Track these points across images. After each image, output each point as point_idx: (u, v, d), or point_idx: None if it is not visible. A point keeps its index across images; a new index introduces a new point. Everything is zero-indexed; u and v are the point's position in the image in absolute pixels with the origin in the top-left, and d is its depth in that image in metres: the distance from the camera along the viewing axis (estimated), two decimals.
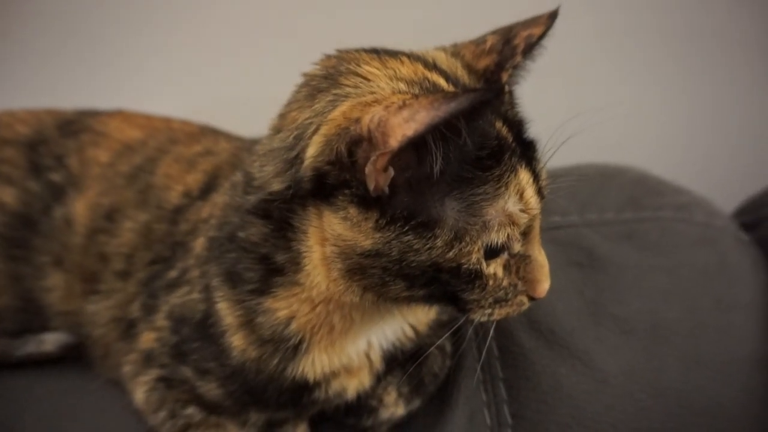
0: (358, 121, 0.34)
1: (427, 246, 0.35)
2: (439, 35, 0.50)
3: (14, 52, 0.98)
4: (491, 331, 0.51)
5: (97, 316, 0.56)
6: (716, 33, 0.87)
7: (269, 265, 0.42)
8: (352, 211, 0.35)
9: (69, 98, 0.79)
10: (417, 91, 0.37)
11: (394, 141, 0.31)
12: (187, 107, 0.77)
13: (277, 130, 0.42)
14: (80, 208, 0.59)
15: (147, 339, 0.52)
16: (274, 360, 0.44)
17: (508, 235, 0.37)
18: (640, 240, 0.57)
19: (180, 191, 0.57)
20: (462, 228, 0.35)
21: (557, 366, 0.51)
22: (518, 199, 0.36)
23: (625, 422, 0.48)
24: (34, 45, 0.97)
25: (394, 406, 0.50)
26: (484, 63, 0.41)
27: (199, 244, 0.51)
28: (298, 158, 0.37)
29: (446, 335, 0.50)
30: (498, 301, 0.39)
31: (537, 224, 0.39)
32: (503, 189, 0.36)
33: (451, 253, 0.35)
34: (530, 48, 0.41)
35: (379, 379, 0.50)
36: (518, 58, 0.41)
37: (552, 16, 0.42)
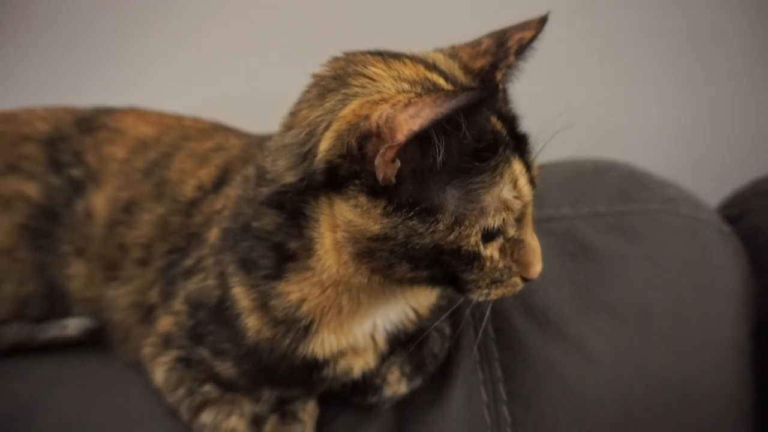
0: (367, 117, 0.37)
1: (430, 230, 0.38)
2: (438, 36, 0.53)
3: (25, 52, 0.99)
4: (488, 314, 0.54)
5: (117, 301, 0.59)
6: (705, 32, 0.89)
7: (282, 252, 0.45)
8: (362, 199, 0.38)
9: (78, 95, 0.82)
10: (419, 90, 0.40)
11: (401, 135, 0.35)
12: (194, 105, 0.79)
13: (288, 127, 0.45)
14: (99, 201, 0.62)
15: (165, 323, 0.55)
16: (286, 340, 0.47)
17: (503, 219, 0.40)
18: (628, 231, 0.59)
19: (194, 185, 0.60)
20: (461, 213, 0.38)
21: (550, 348, 0.54)
22: (512, 187, 0.40)
23: (611, 400, 0.51)
24: (44, 41, 0.98)
25: (397, 385, 0.53)
26: (479, 64, 0.44)
27: (213, 235, 0.54)
28: (310, 152, 0.40)
29: (444, 316, 0.53)
30: (494, 282, 0.42)
31: (529, 211, 0.42)
32: (498, 178, 0.39)
33: (451, 236, 0.38)
34: (522, 50, 0.44)
35: (383, 359, 0.53)
36: (511, 59, 0.44)
37: (542, 21, 0.45)
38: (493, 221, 0.39)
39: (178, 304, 0.54)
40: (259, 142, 0.63)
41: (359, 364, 0.51)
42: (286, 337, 0.47)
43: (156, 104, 0.74)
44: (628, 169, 0.69)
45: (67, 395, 0.56)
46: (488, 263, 0.41)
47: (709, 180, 0.79)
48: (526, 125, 0.46)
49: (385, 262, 0.40)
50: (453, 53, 0.46)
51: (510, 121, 0.42)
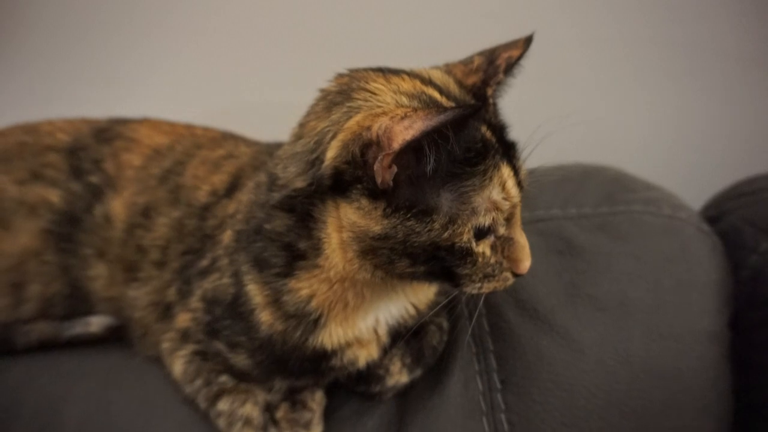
0: (369, 128, 0.41)
1: (427, 229, 0.42)
2: (437, 43, 0.57)
3: (33, 63, 1.02)
4: (479, 308, 0.59)
5: (137, 300, 0.63)
6: (695, 44, 0.93)
7: (293, 252, 0.49)
8: (364, 202, 0.42)
9: (86, 105, 0.85)
10: (416, 104, 0.44)
11: (396, 144, 0.39)
12: (200, 114, 0.83)
13: (298, 137, 0.49)
14: (118, 206, 0.66)
15: (183, 319, 0.59)
16: (297, 332, 0.51)
17: (493, 218, 0.44)
18: (612, 230, 0.63)
19: (207, 190, 0.64)
20: (455, 213, 0.42)
21: (540, 339, 0.58)
22: (501, 189, 0.43)
23: (597, 385, 0.55)
24: (52, 50, 1.01)
25: (398, 375, 0.57)
26: (472, 80, 0.49)
27: (227, 237, 0.58)
28: (318, 159, 0.44)
29: (438, 306, 0.55)
30: (486, 276, 0.45)
31: (518, 211, 0.46)
32: (488, 181, 0.43)
33: (446, 234, 0.42)
34: (510, 67, 0.48)
35: (385, 351, 0.56)
36: (500, 76, 0.48)
37: (528, 40, 0.49)
38: (484, 220, 0.43)
39: (195, 302, 0.58)
40: (267, 149, 0.67)
41: (364, 356, 0.55)
42: (297, 329, 0.51)
43: (162, 113, 0.78)
44: (614, 173, 0.73)
45: (91, 387, 0.60)
46: (480, 259, 0.44)
47: (696, 183, 0.83)
48: (518, 131, 0.50)
49: (386, 259, 0.44)
50: (448, 70, 0.50)
51: (499, 130, 0.46)
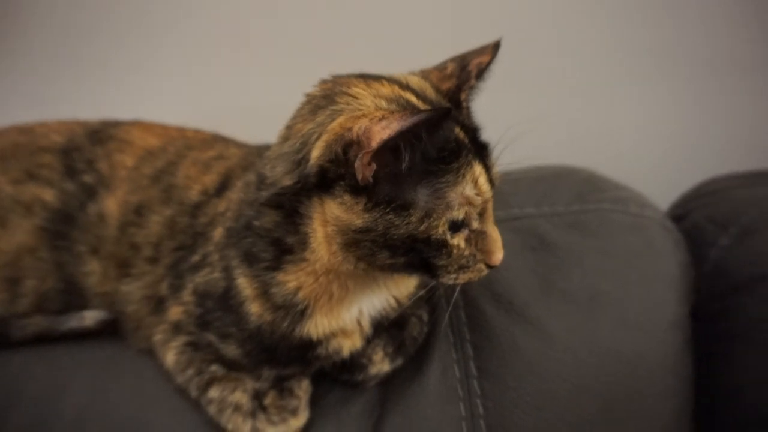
0: (350, 129, 0.44)
1: (405, 222, 0.45)
2: (416, 58, 0.60)
3: (29, 63, 1.02)
4: (457, 301, 0.62)
5: (130, 295, 0.64)
6: (672, 51, 0.97)
7: (280, 246, 0.52)
8: (347, 197, 0.45)
9: (79, 107, 0.86)
10: (395, 107, 0.47)
11: (374, 143, 0.42)
12: (191, 116, 0.84)
13: (285, 138, 0.52)
14: (112, 205, 0.68)
15: (175, 312, 0.61)
16: (285, 322, 0.54)
17: (466, 212, 0.47)
18: (583, 228, 0.67)
19: (198, 190, 0.66)
20: (431, 208, 0.45)
21: (514, 329, 0.61)
22: (473, 185, 0.46)
23: (566, 371, 0.59)
24: (45, 53, 1.02)
25: (380, 364, 0.60)
26: (446, 85, 0.52)
27: (217, 234, 0.61)
28: (304, 159, 0.47)
29: (418, 298, 0.60)
30: (461, 268, 0.48)
31: (490, 207, 0.49)
32: (461, 178, 0.46)
33: (422, 227, 0.45)
34: (481, 73, 0.52)
35: (368, 341, 0.59)
36: (473, 81, 0.51)
37: (496, 47, 0.53)
38: (458, 214, 0.46)
39: (187, 296, 0.60)
40: (256, 151, 0.70)
41: (348, 345, 0.57)
42: (285, 320, 0.54)
43: (154, 116, 0.80)
44: (586, 174, 0.77)
45: (87, 378, 0.62)
46: (455, 251, 0.47)
47: (665, 185, 0.88)
48: (493, 133, 0.54)
49: (368, 251, 0.47)
50: (424, 75, 0.53)
51: (472, 131, 0.50)
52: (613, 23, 0.96)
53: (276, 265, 0.53)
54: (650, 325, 0.62)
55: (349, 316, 0.56)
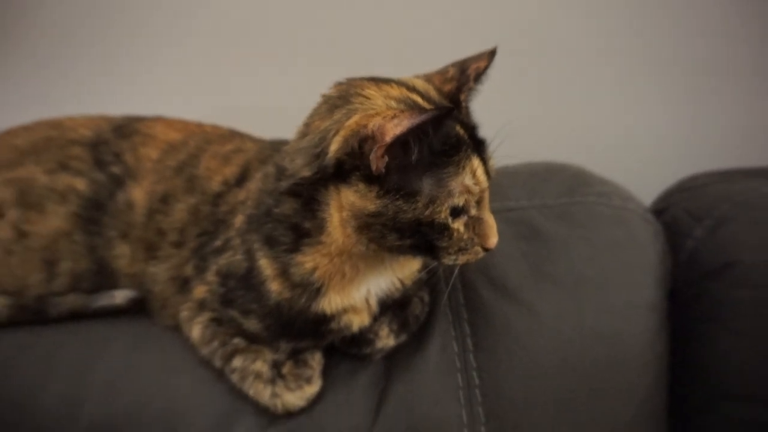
0: (365, 126, 0.50)
1: (412, 207, 0.51)
2: (418, 61, 0.66)
3: (39, 62, 1.07)
4: (456, 284, 0.67)
5: (157, 276, 0.70)
6: (649, 56, 1.02)
7: (298, 231, 0.58)
8: (361, 186, 0.51)
9: (87, 104, 0.88)
10: (403, 107, 0.53)
11: (388, 138, 0.47)
12: (200, 114, 0.88)
13: (303, 134, 0.58)
14: (139, 194, 0.73)
15: (200, 291, 0.67)
16: (302, 299, 0.60)
17: (465, 200, 0.52)
18: (570, 219, 0.72)
19: (219, 180, 0.71)
20: (434, 195, 0.51)
21: (507, 310, 0.67)
22: (472, 176, 0.52)
23: (553, 347, 0.64)
24: (53, 52, 1.06)
25: (386, 339, 0.65)
26: (448, 87, 0.58)
27: (238, 220, 0.66)
28: (323, 152, 0.53)
29: (421, 281, 0.65)
30: (460, 250, 0.54)
31: (486, 195, 0.55)
32: (461, 169, 0.51)
33: (427, 212, 0.51)
34: (478, 76, 0.57)
35: (375, 319, 0.64)
36: (471, 84, 0.57)
37: (492, 53, 0.58)
38: (458, 201, 0.52)
39: (211, 276, 0.66)
40: (270, 145, 0.75)
41: (357, 321, 0.63)
42: (302, 296, 0.60)
43: (164, 112, 0.84)
44: (574, 170, 0.83)
45: (117, 351, 0.67)
46: (455, 234, 0.53)
47: (649, 181, 0.93)
48: (489, 130, 0.60)
49: (379, 233, 0.52)
50: (428, 78, 0.59)
51: (471, 128, 0.55)
52: (603, 29, 1.01)
53: (294, 247, 0.59)
54: (629, 308, 0.67)
55: (359, 295, 0.62)
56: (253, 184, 0.67)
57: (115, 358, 0.67)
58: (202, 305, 0.66)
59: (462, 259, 0.55)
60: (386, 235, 0.53)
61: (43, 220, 0.71)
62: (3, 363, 0.67)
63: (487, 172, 0.54)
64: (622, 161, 0.96)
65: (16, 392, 0.65)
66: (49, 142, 0.77)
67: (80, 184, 0.73)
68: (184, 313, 0.67)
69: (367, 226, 0.53)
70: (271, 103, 1.00)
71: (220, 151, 0.76)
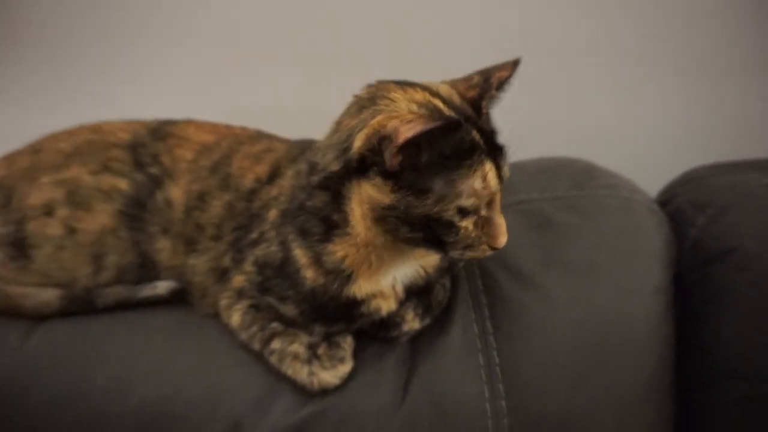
0: (385, 127, 0.54)
1: (422, 203, 0.55)
2: (436, 65, 0.70)
3: (54, 67, 1.10)
4: (475, 272, 0.72)
5: (196, 267, 0.74)
6: (655, 55, 1.07)
7: (329, 222, 0.63)
8: (378, 180, 0.56)
9: (79, 109, 0.91)
10: (423, 111, 0.57)
11: (401, 139, 0.52)
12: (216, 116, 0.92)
13: (334, 131, 0.63)
14: (177, 192, 0.77)
15: (238, 280, 0.72)
16: (334, 285, 0.65)
17: (473, 201, 0.55)
18: (580, 210, 0.77)
19: (252, 178, 0.75)
20: (444, 194, 0.54)
21: (522, 294, 0.71)
22: (482, 180, 0.55)
23: (565, 329, 0.69)
24: (65, 57, 1.09)
25: (412, 322, 0.70)
26: (471, 94, 0.61)
27: (272, 215, 0.71)
28: (348, 147, 0.58)
29: (440, 266, 0.70)
30: (467, 246, 0.57)
31: (498, 198, 0.58)
32: (472, 173, 0.54)
33: (436, 209, 0.54)
34: (501, 85, 0.61)
35: (401, 304, 0.69)
36: (493, 92, 0.60)
37: (515, 63, 0.62)
38: (466, 202, 0.55)
39: (248, 266, 0.71)
40: (298, 145, 0.80)
41: (385, 306, 0.68)
42: (335, 282, 0.65)
43: (164, 113, 0.89)
44: (584, 164, 0.87)
45: (162, 337, 0.72)
46: (462, 231, 0.56)
47: (656, 173, 0.97)
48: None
49: (393, 225, 0.57)
50: (453, 84, 0.63)
51: (489, 134, 0.58)
52: (607, 29, 1.05)
53: (326, 237, 0.64)
54: (637, 291, 0.72)
55: (386, 282, 0.67)
56: (286, 181, 0.72)
57: (160, 343, 0.72)
58: (240, 293, 0.71)
59: (468, 255, 0.58)
60: (399, 228, 0.57)
61: (90, 217, 0.76)
62: (57, 349, 0.72)
63: (500, 177, 0.57)
64: (629, 156, 0.99)
65: (70, 376, 0.70)
66: (91, 145, 0.82)
67: (122, 184, 0.78)
68: (224, 302, 0.72)
69: (383, 218, 0.57)
70: (271, 104, 1.04)
71: (250, 151, 0.81)
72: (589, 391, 0.68)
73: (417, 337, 0.71)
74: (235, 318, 0.71)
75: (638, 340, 0.71)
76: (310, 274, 0.66)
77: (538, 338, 0.69)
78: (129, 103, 0.95)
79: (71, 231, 0.76)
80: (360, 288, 0.65)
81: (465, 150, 0.55)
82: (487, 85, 0.61)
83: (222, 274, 0.74)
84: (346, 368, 0.67)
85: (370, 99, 0.60)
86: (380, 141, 0.55)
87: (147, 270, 0.77)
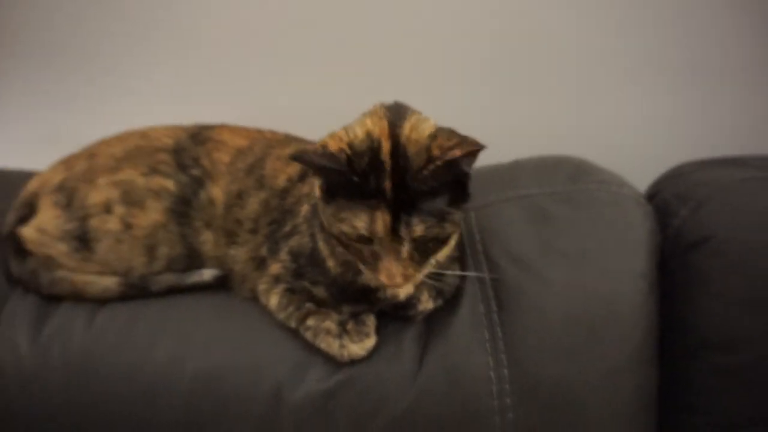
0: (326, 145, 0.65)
1: (327, 213, 0.68)
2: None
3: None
4: (471, 259, 0.82)
5: (237, 257, 0.85)
6: (645, 56, 1.13)
7: None
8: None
9: (81, 109, 1.02)
10: (357, 143, 0.64)
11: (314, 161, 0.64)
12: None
13: None
14: (217, 192, 0.87)
15: (275, 268, 0.82)
16: (349, 274, 0.75)
17: (348, 233, 0.64)
18: (574, 203, 0.85)
19: (284, 178, 0.85)
20: (335, 212, 0.66)
21: (523, 279, 0.80)
22: (367, 222, 0.62)
23: (562, 308, 0.77)
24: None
25: (426, 303, 0.77)
26: (436, 152, 0.62)
27: (304, 209, 0.81)
28: None
29: (451, 256, 0.79)
30: (364, 263, 0.68)
31: (386, 245, 0.63)
32: (361, 213, 0.62)
33: (331, 221, 0.67)
34: (452, 159, 0.61)
35: (417, 288, 0.79)
36: (438, 162, 0.62)
37: (476, 152, 0.62)
38: (342, 228, 0.65)
39: (283, 255, 0.81)
40: None
41: (403, 291, 0.77)
42: (349, 272, 0.75)
43: (164, 113, 0.96)
44: (578, 162, 0.96)
45: (209, 317, 0.82)
46: (351, 249, 0.67)
47: (644, 169, 1.05)
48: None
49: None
50: (433, 135, 0.64)
51: (410, 191, 0.61)
52: (599, 30, 1.11)
53: None
54: (624, 274, 0.79)
55: None
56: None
57: (208, 322, 0.83)
58: (277, 279, 0.82)
59: (367, 273, 0.69)
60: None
61: (143, 214, 0.87)
62: (119, 330, 0.83)
63: (393, 229, 0.62)
64: (620, 153, 1.06)
65: (131, 353, 0.81)
66: (139, 149, 0.92)
67: (170, 184, 0.88)
68: (262, 286, 0.83)
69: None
70: (272, 104, 1.11)
71: (282, 153, 0.91)
72: (581, 358, 0.77)
73: (431, 316, 0.79)
74: (273, 300, 0.81)
75: (625, 316, 0.79)
76: (331, 264, 0.76)
77: (536, 315, 0.79)
78: (141, 109, 1.03)
79: (128, 226, 0.86)
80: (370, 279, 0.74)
81: (363, 191, 0.62)
82: (443, 153, 0.62)
83: (260, 263, 0.84)
84: (371, 341, 0.77)
85: (365, 114, 0.69)
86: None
87: (193, 260, 0.86)
